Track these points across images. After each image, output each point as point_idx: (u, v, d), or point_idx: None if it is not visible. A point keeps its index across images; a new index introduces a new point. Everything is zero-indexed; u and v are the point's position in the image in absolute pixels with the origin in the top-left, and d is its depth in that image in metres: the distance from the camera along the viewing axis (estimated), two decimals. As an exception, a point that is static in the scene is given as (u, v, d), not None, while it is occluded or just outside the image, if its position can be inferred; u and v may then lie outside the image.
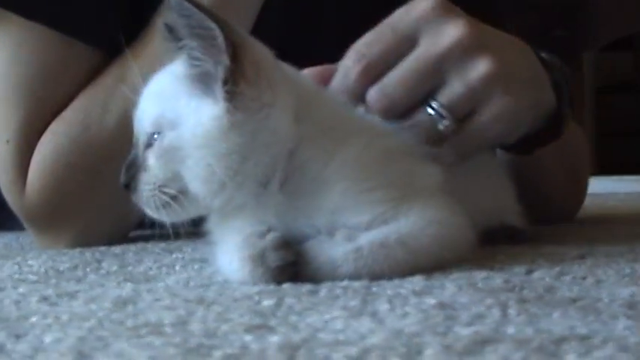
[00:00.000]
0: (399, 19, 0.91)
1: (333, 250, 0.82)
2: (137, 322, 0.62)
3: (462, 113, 0.91)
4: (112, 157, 1.23)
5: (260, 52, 0.87)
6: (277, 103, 0.86)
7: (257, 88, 0.84)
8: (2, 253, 1.20)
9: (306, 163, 0.87)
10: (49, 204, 1.25)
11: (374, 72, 0.88)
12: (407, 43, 0.90)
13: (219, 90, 0.83)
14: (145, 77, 1.24)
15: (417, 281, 0.78)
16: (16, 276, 0.93)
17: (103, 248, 1.19)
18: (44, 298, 0.76)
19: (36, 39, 1.25)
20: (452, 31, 0.88)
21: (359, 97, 0.92)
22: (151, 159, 0.87)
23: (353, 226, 0.84)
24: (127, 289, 0.81)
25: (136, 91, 1.23)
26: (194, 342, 0.55)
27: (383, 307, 0.67)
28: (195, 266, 0.97)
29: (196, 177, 0.85)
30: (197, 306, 0.69)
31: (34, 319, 0.66)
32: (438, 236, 0.86)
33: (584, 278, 0.79)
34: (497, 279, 0.78)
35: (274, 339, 0.55)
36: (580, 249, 1.00)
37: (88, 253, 1.13)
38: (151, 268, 0.97)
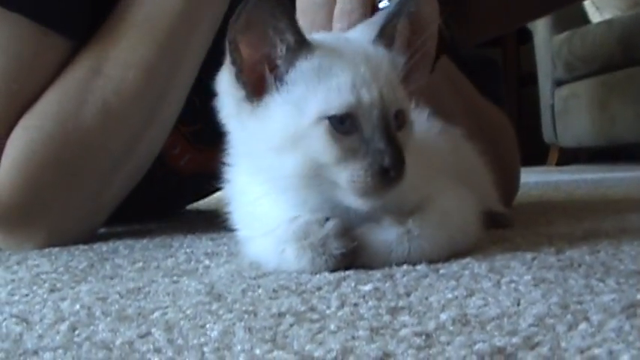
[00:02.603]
0: None
1: (385, 234, 0.85)
2: (272, 312, 0.62)
3: None
4: (89, 152, 1.20)
5: None
6: None
7: None
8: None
9: None
10: (21, 204, 1.19)
11: None
12: None
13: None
14: (122, 67, 1.22)
15: (474, 262, 0.83)
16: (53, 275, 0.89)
17: (111, 245, 1.17)
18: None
19: (8, 30, 1.18)
20: None
21: None
22: (406, 139, 0.84)
23: (405, 209, 0.86)
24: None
25: (114, 82, 1.19)
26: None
27: (485, 284, 0.70)
28: (222, 259, 0.97)
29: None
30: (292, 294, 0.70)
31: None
32: (467, 216, 0.92)
33: (615, 254, 0.86)
34: (547, 258, 0.84)
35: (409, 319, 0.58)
36: (571, 229, 1.09)
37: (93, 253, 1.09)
38: (180, 264, 0.95)
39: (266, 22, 0.80)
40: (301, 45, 0.81)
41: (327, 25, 0.98)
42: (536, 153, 4.90)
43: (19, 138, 1.19)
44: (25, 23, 1.18)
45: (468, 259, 0.84)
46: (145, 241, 1.22)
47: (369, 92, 0.80)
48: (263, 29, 0.81)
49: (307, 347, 0.51)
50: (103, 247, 1.17)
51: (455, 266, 0.81)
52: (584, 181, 2.68)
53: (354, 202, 0.82)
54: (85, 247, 1.18)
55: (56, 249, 1.16)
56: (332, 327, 0.56)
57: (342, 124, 0.79)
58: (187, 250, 1.08)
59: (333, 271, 0.82)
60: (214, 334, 0.56)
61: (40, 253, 1.12)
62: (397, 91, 0.83)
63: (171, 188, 1.56)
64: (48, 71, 1.21)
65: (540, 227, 1.16)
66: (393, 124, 0.82)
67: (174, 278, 0.84)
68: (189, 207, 1.92)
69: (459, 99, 1.39)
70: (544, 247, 0.92)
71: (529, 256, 0.85)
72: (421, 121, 1.07)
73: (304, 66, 0.81)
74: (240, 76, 0.82)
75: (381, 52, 0.85)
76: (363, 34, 0.88)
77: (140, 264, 0.96)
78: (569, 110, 4.31)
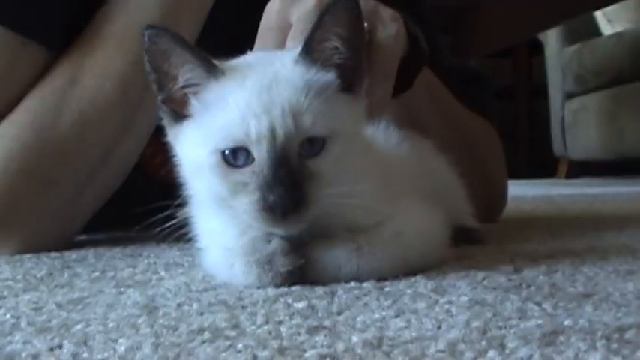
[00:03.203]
0: None
1: (335, 250, 0.84)
2: (192, 328, 0.62)
3: None
4: (65, 162, 1.21)
5: None
6: None
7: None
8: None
9: None
10: (-3, 210, 1.19)
11: None
12: None
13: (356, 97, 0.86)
14: (99, 77, 1.23)
15: (422, 280, 0.82)
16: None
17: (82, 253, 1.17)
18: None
19: None
20: None
21: None
22: (323, 166, 0.81)
23: (359, 228, 0.85)
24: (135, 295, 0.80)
25: (90, 92, 1.19)
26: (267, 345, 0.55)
27: (419, 305, 0.69)
28: (179, 270, 0.97)
29: (355, 178, 0.84)
30: (241, 310, 0.69)
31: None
32: (426, 234, 0.91)
33: (572, 274, 0.85)
34: (499, 278, 0.83)
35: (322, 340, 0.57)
36: (542, 247, 1.08)
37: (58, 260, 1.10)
38: (136, 274, 0.95)
39: (166, 53, 0.82)
40: (209, 71, 0.82)
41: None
42: (546, 165, 4.86)
43: None
44: (2, 32, 1.19)
45: (417, 277, 0.83)
46: (117, 249, 1.23)
47: (258, 126, 0.78)
48: (168, 61, 0.83)
49: (203, 366, 0.50)
50: (73, 254, 1.17)
51: (402, 284, 0.80)
52: (583, 195, 2.65)
53: (266, 229, 0.82)
54: (57, 254, 1.18)
55: (27, 255, 1.16)
56: (240, 345, 0.55)
57: (235, 158, 0.80)
58: (151, 260, 1.08)
59: (280, 286, 0.81)
60: (122, 349, 0.55)
61: (8, 259, 1.13)
62: (306, 118, 0.79)
63: (153, 198, 1.56)
64: (25, 80, 1.22)
65: (511, 244, 1.14)
66: (295, 155, 0.79)
67: (122, 289, 0.83)
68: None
69: (437, 110, 1.38)
70: (502, 266, 0.90)
71: (481, 275, 0.84)
72: (388, 137, 1.06)
73: (211, 94, 0.83)
74: (163, 103, 0.86)
75: (296, 73, 0.82)
76: (291, 50, 0.87)
77: (97, 273, 0.96)
78: (578, 123, 4.27)
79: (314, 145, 0.80)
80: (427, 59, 1.15)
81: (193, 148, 0.84)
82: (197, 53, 0.83)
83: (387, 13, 1.03)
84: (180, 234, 0.91)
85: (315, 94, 0.81)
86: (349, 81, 0.85)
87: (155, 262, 1.05)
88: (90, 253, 1.19)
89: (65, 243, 1.27)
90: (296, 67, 0.83)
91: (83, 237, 1.40)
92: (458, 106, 1.47)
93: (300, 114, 0.79)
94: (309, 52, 0.83)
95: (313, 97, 0.80)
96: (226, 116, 0.80)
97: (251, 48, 0.99)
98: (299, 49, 0.84)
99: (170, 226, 0.91)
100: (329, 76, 0.83)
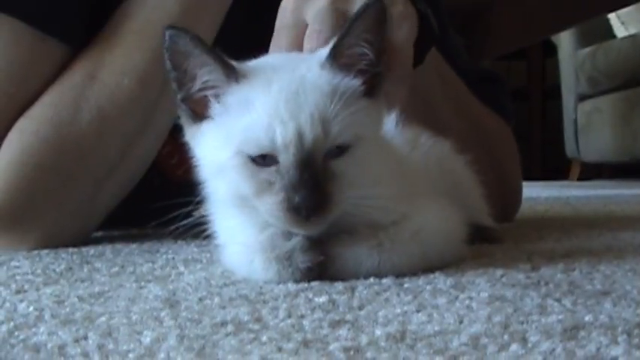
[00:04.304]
0: None
1: (356, 246, 0.84)
2: (215, 321, 0.62)
3: None
4: (84, 158, 1.22)
5: None
6: None
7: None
8: None
9: None
10: (16, 204, 1.21)
11: None
12: None
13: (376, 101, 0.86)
14: (117, 74, 1.24)
15: (441, 277, 0.82)
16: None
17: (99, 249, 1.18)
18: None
19: (6, 34, 1.20)
20: None
21: None
22: (347, 168, 0.81)
23: (379, 227, 0.86)
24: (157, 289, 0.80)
25: (109, 89, 1.20)
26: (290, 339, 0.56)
27: (440, 300, 0.69)
28: (198, 266, 0.97)
29: (376, 179, 0.85)
30: (262, 304, 0.70)
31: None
32: (445, 232, 0.92)
33: (590, 273, 0.85)
34: (517, 275, 0.83)
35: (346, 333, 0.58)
36: (558, 246, 1.08)
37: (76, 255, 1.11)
38: (155, 269, 0.95)
39: (186, 54, 0.83)
40: (228, 74, 0.83)
41: (291, 48, 0.97)
42: (559, 167, 4.85)
43: (16, 141, 1.21)
44: (23, 28, 1.20)
45: (436, 274, 0.83)
46: (134, 245, 1.23)
47: (285, 132, 0.78)
48: (187, 61, 0.83)
49: (229, 357, 0.51)
50: (91, 250, 1.18)
51: (421, 281, 0.80)
52: (596, 197, 2.65)
53: (288, 229, 0.82)
54: (75, 249, 1.19)
55: (45, 251, 1.17)
56: (264, 338, 0.55)
57: (261, 157, 0.80)
58: (169, 256, 1.08)
59: (299, 282, 0.82)
60: (147, 340, 0.56)
61: (27, 255, 1.14)
62: (334, 125, 0.79)
63: (169, 197, 1.56)
64: (45, 76, 1.23)
65: (527, 243, 1.14)
66: (320, 158, 0.79)
67: (142, 284, 0.84)
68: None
69: (448, 96, 1.38)
70: (520, 264, 0.90)
71: (499, 272, 0.84)
72: (406, 138, 1.06)
73: (232, 96, 0.83)
74: (182, 102, 0.86)
75: (323, 79, 0.82)
76: (318, 54, 0.86)
77: (117, 268, 0.97)
78: (591, 125, 4.26)
79: (339, 148, 0.81)
80: (437, 37, 1.15)
81: (214, 150, 0.84)
82: (216, 56, 0.83)
83: (397, 9, 1.02)
84: (196, 232, 0.92)
85: (342, 100, 0.81)
86: (371, 86, 0.85)
87: (174, 258, 1.06)
88: (107, 249, 1.19)
89: (82, 239, 1.28)
90: (323, 72, 0.83)
91: (99, 233, 1.41)
92: (469, 94, 1.47)
93: (328, 121, 0.79)
94: (337, 57, 0.83)
95: (340, 103, 0.80)
96: (251, 120, 0.80)
97: (268, 47, 1.00)
98: (326, 53, 0.84)
99: (186, 224, 0.91)
100: (354, 81, 0.83)
